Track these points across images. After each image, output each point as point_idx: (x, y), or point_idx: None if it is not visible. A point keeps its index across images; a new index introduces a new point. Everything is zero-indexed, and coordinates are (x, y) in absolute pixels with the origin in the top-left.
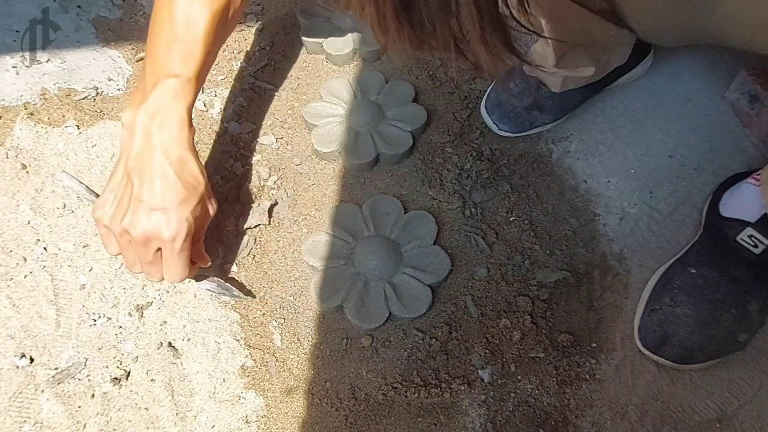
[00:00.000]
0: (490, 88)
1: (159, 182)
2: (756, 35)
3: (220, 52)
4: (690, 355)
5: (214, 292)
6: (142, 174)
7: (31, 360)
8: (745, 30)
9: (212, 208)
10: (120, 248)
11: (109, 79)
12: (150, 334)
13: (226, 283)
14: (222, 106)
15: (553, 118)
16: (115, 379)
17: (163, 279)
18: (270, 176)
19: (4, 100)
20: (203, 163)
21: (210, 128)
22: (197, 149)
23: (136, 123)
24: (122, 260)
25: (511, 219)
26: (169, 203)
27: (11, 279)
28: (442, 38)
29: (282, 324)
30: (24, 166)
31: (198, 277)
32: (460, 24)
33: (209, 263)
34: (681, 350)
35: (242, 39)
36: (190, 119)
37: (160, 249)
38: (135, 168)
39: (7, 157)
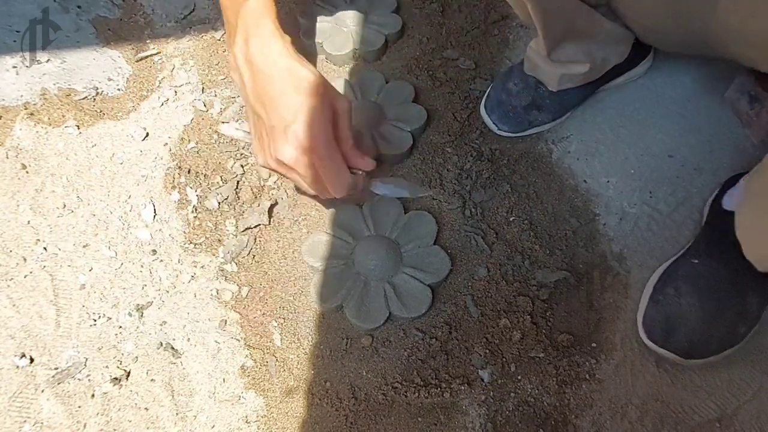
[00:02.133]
0: (489, 88)
1: (277, 101)
2: (753, 50)
3: (219, 51)
4: (694, 347)
5: (388, 195)
6: (262, 103)
7: (31, 360)
8: (743, 43)
9: (344, 101)
10: (291, 179)
11: (109, 79)
12: (150, 334)
13: (403, 181)
14: (222, 106)
15: (552, 117)
16: (115, 379)
17: (340, 195)
18: (270, 176)
19: (4, 100)
20: (204, 162)
21: (210, 128)
22: (197, 148)
23: (236, 57)
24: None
25: (511, 219)
26: (293, 115)
27: (11, 279)
28: None
29: (282, 324)
30: (24, 166)
31: (369, 183)
32: None
33: (372, 165)
34: (686, 342)
35: None
36: (281, 31)
37: None
38: (255, 100)
39: (7, 157)
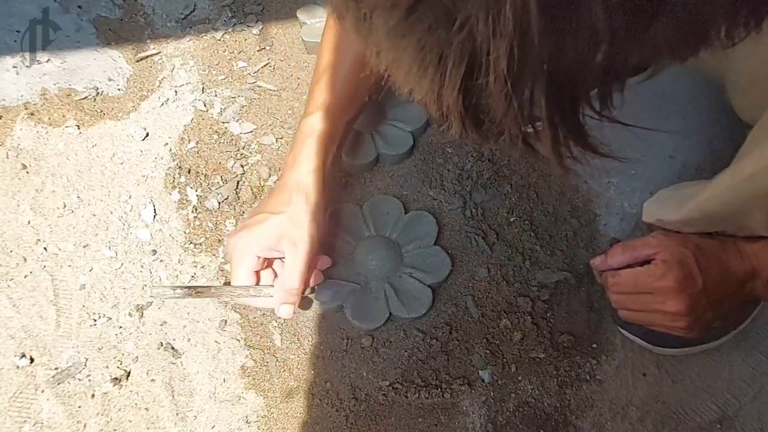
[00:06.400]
0: None
1: (262, 207)
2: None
3: (219, 51)
4: (659, 333)
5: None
6: (263, 200)
7: (31, 360)
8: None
9: (300, 251)
10: None
11: (110, 79)
12: (150, 334)
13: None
14: (222, 106)
15: None
16: (115, 379)
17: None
18: (270, 176)
19: (4, 100)
20: (204, 162)
21: (210, 128)
22: (197, 148)
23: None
24: None
25: (511, 219)
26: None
27: (11, 279)
28: (510, 140)
29: (282, 324)
30: (24, 166)
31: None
32: (533, 125)
33: (287, 314)
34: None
35: (242, 39)
36: (322, 152)
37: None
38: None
39: (7, 157)
